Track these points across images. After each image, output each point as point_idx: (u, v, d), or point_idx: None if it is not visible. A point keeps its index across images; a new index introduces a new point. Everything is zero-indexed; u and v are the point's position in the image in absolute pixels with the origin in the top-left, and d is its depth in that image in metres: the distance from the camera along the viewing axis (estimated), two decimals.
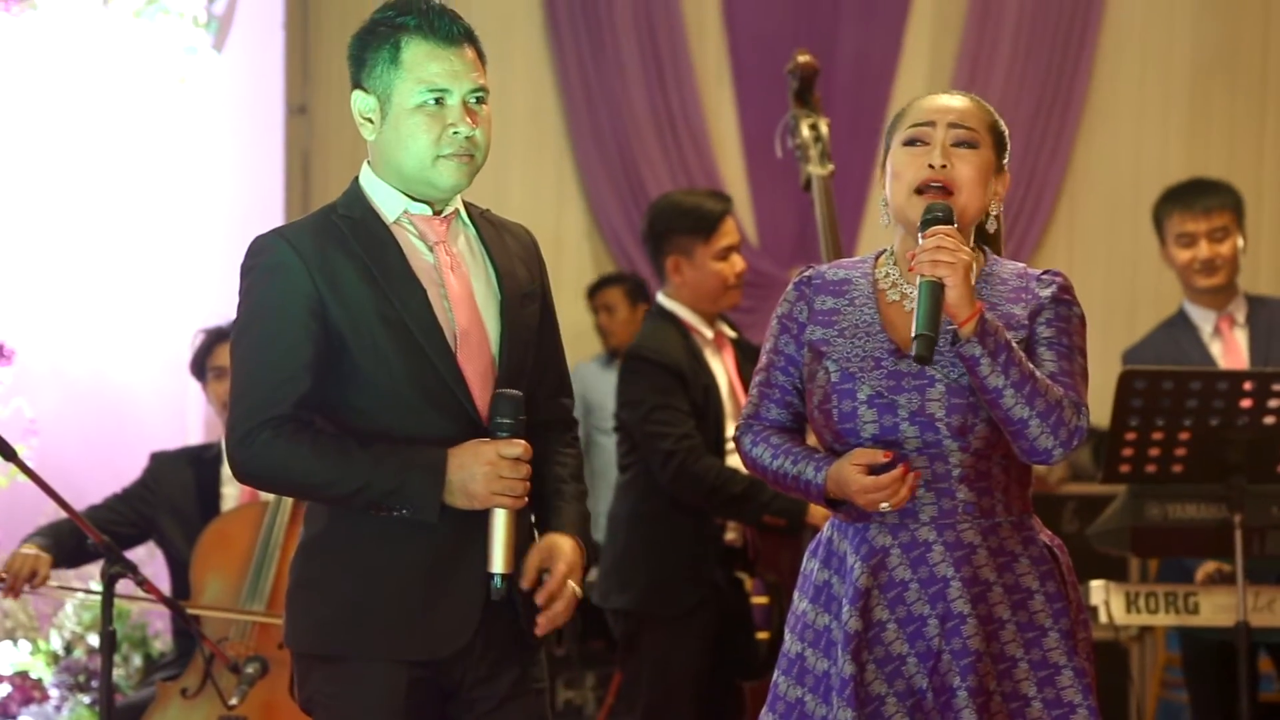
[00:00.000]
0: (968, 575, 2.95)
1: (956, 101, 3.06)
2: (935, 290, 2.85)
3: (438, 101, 2.97)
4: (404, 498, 2.91)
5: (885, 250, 3.11)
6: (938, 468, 2.96)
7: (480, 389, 2.99)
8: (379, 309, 2.95)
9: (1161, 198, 5.07)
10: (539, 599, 2.97)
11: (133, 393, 6.04)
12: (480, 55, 3.04)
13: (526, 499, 2.96)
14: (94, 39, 6.02)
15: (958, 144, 3.00)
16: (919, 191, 2.98)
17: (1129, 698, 5.90)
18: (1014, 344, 2.90)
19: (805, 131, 5.13)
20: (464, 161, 2.99)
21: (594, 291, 7.28)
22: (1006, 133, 3.10)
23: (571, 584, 3.00)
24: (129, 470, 5.16)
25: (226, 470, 4.87)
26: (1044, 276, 3.04)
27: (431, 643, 2.97)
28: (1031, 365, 2.91)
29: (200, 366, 5.00)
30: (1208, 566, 4.62)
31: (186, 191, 6.24)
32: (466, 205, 3.12)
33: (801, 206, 6.29)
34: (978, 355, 2.87)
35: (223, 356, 4.89)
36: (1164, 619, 4.39)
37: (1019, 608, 2.98)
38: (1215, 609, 4.33)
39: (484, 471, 2.90)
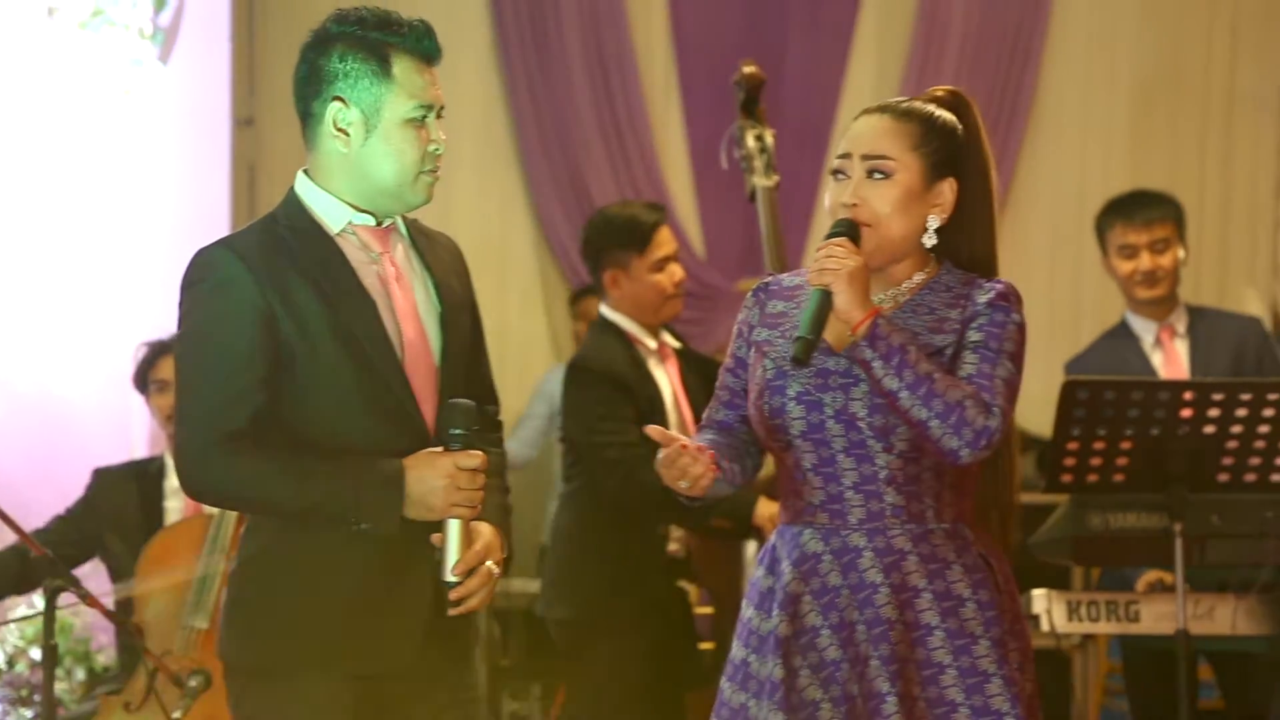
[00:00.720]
0: (896, 581, 2.97)
1: (875, 124, 3.05)
2: (822, 297, 2.92)
3: (425, 118, 3.01)
4: (363, 511, 2.92)
5: None
6: (864, 469, 2.99)
7: (426, 400, 3.01)
8: (330, 322, 2.96)
9: (1104, 209, 5.11)
10: (456, 570, 2.96)
11: (76, 406, 6.01)
12: None
13: (479, 508, 2.98)
14: (38, 50, 5.99)
15: (871, 173, 3.02)
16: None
17: (1071, 706, 5.93)
18: (911, 348, 2.91)
19: (751, 142, 5.15)
20: (435, 178, 3.04)
21: (574, 301, 7.29)
22: (949, 136, 3.07)
23: (490, 564, 3.00)
24: (72, 483, 5.13)
25: (170, 483, 4.86)
26: (988, 284, 3.05)
27: (376, 658, 2.98)
28: (932, 367, 2.92)
29: (142, 379, 4.97)
30: (1149, 576, 4.66)
31: (131, 204, 6.22)
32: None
33: (748, 218, 6.29)
34: (869, 359, 2.91)
35: (165, 369, 4.88)
36: (1105, 627, 4.42)
37: (949, 615, 2.98)
38: (1156, 617, 4.37)
39: (443, 484, 2.93)
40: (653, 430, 2.95)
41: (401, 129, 3.00)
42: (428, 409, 3.01)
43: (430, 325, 3.05)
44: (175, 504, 4.86)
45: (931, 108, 3.10)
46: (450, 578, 2.95)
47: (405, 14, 3.09)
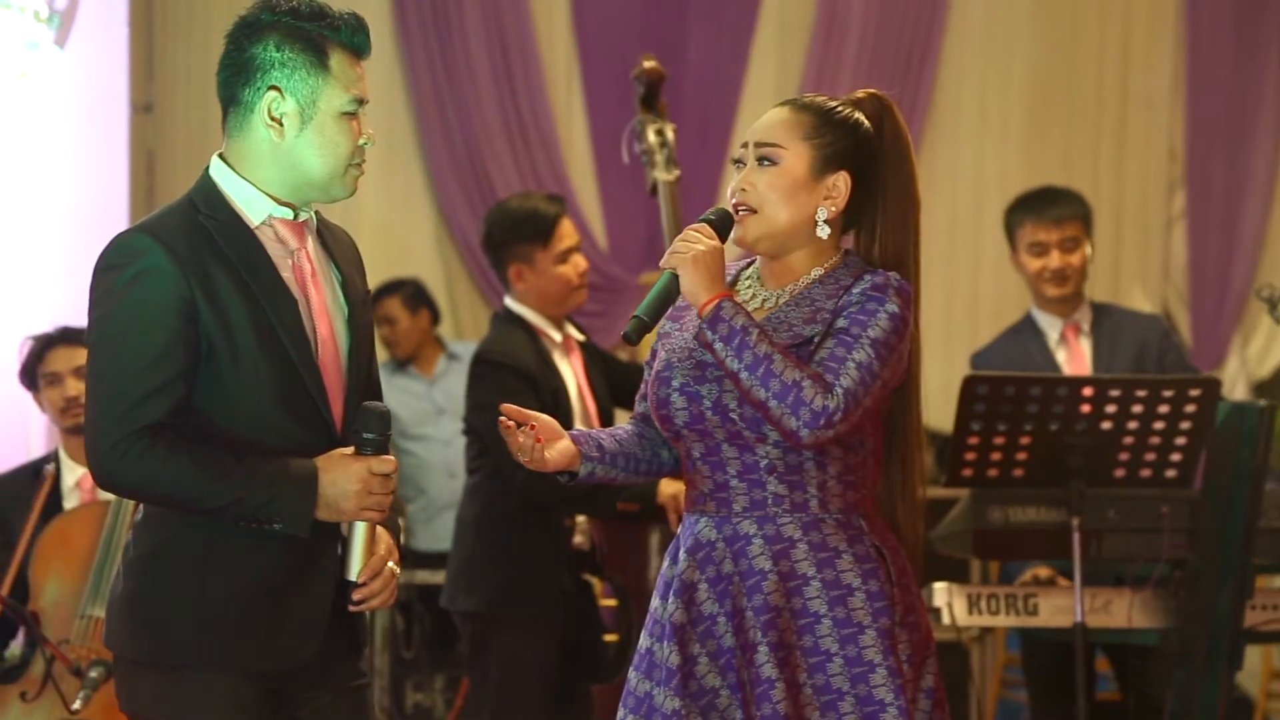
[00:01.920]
0: (785, 569, 3.00)
1: (771, 116, 3.12)
2: (669, 279, 3.02)
3: (356, 112, 3.00)
4: (276, 511, 2.91)
5: (757, 259, 3.18)
6: (746, 459, 3.03)
7: (335, 399, 3.00)
8: (251, 317, 2.93)
9: (1013, 205, 5.13)
10: (362, 575, 2.97)
11: None
12: None
13: (387, 512, 2.98)
14: None
15: (760, 161, 3.08)
16: (737, 212, 3.09)
17: (969, 697, 6.00)
18: (754, 330, 2.94)
19: (652, 137, 5.17)
20: (361, 172, 3.04)
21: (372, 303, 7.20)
22: (850, 128, 3.10)
23: (391, 565, 3.02)
24: None
25: (68, 479, 4.80)
26: (870, 276, 3.05)
27: (279, 655, 2.98)
28: (772, 349, 2.93)
29: (31, 374, 4.86)
30: (1038, 570, 4.72)
31: (27, 191, 6.13)
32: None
33: (650, 211, 6.32)
34: (710, 340, 2.96)
35: (55, 362, 4.80)
36: (1005, 620, 4.46)
37: (837, 604, 3.00)
38: (1054, 610, 4.41)
39: (356, 489, 2.92)
40: (508, 409, 3.04)
41: (336, 121, 2.99)
42: (336, 408, 3.01)
43: (338, 323, 3.05)
44: (74, 500, 4.80)
45: (835, 103, 3.13)
46: (352, 577, 2.96)
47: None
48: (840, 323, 3.00)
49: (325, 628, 2.99)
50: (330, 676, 3.05)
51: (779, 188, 3.06)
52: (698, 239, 3.00)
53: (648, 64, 5.20)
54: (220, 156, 3.04)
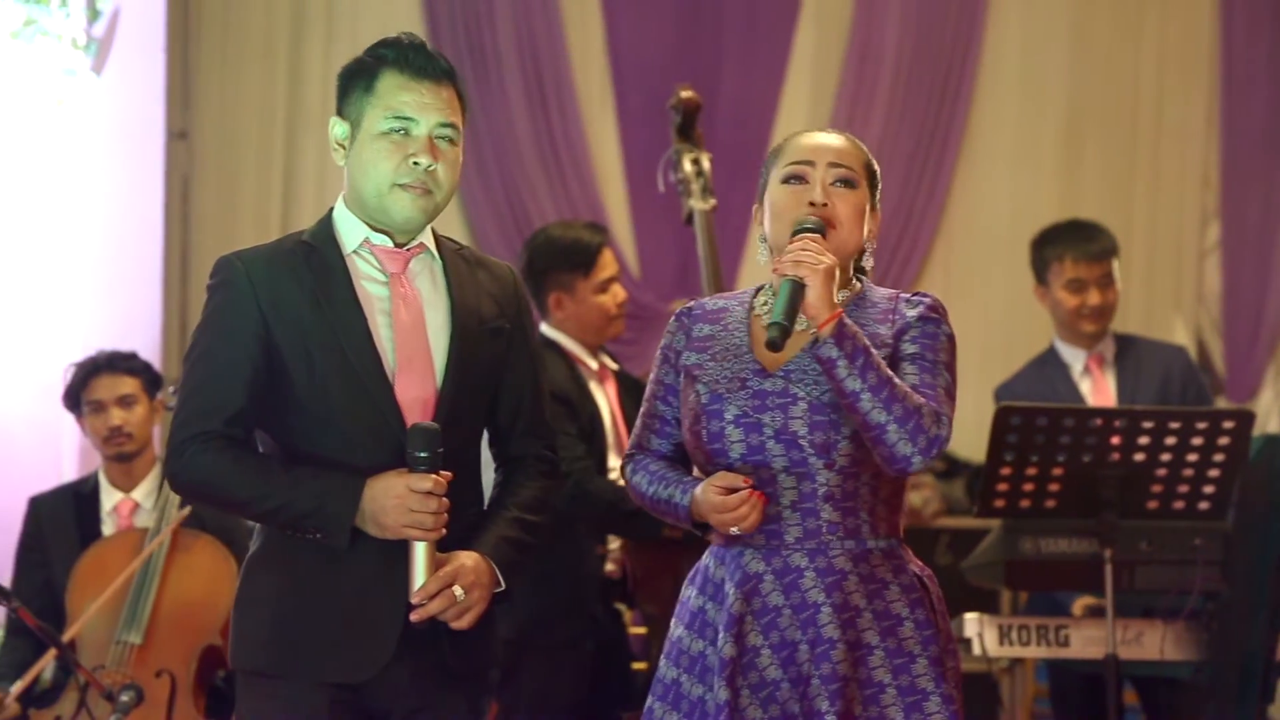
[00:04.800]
0: (838, 601, 2.99)
1: (835, 140, 3.11)
2: (795, 288, 2.92)
3: (403, 131, 3.03)
4: (318, 521, 2.97)
5: (766, 285, 3.16)
6: (804, 487, 3.00)
7: (418, 420, 3.02)
8: (319, 335, 3.01)
9: (1047, 238, 5.09)
10: (415, 596, 2.98)
11: (5, 418, 5.95)
12: (460, 96, 3.11)
13: (443, 530, 2.98)
14: None
15: (836, 182, 3.05)
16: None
17: None
18: (873, 350, 2.94)
19: (688, 166, 5.17)
20: (419, 194, 3.04)
21: None
22: (879, 172, 3.16)
23: (456, 589, 3.00)
24: (1, 497, 5.08)
25: (106, 503, 4.82)
26: (913, 298, 3.10)
27: (348, 667, 3.01)
28: (891, 373, 2.95)
29: (75, 399, 4.90)
30: (1085, 599, 4.70)
31: (64, 216, 6.18)
32: (441, 240, 3.16)
33: (683, 239, 6.33)
34: (834, 357, 2.92)
35: (100, 390, 4.82)
36: (1036, 651, 4.45)
37: (888, 634, 3.01)
38: (1085, 642, 4.40)
39: (393, 504, 2.95)
40: (722, 476, 2.96)
41: (374, 141, 3.04)
42: None
43: (438, 348, 3.07)
44: (111, 524, 4.82)
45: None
46: (412, 599, 2.98)
47: (343, 37, 3.12)
48: (909, 347, 3.02)
49: (395, 645, 3.00)
50: (430, 708, 3.06)
51: (854, 209, 3.05)
52: (822, 251, 2.94)
53: (684, 93, 5.21)
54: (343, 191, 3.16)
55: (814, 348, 2.93)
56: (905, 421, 2.92)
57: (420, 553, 2.98)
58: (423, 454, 2.97)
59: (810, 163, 3.06)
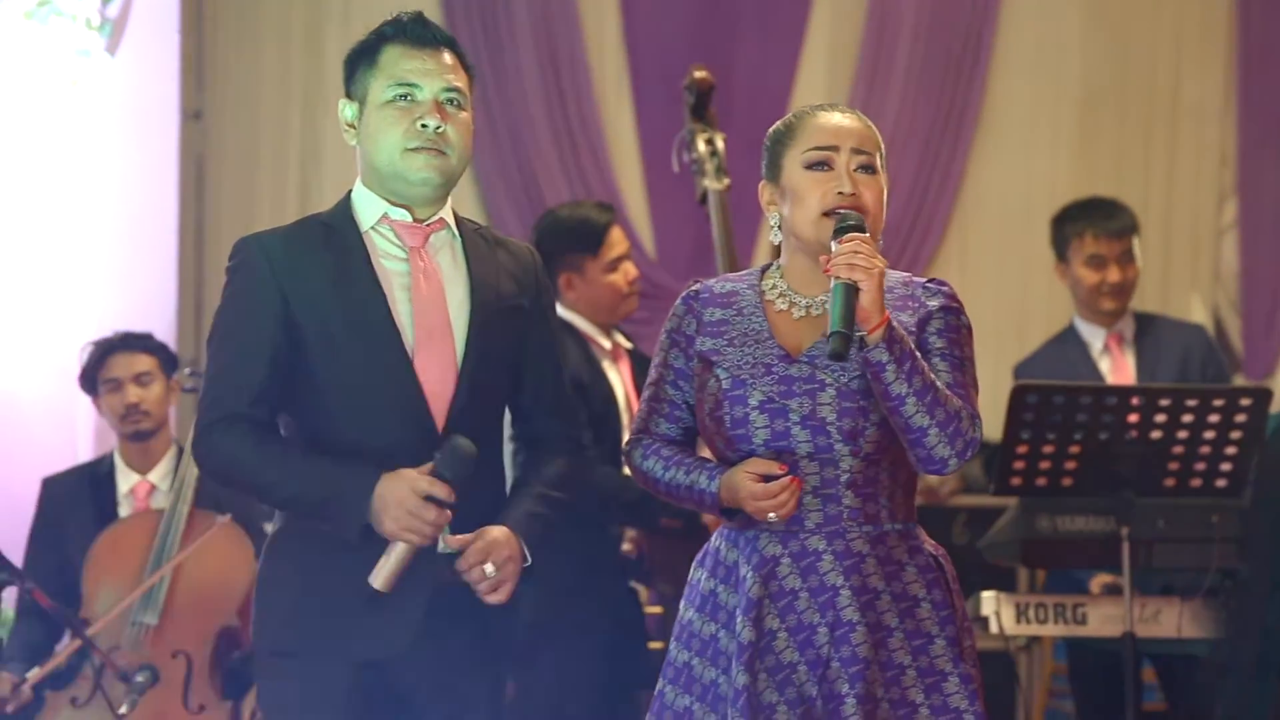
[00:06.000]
0: (857, 583, 2.98)
1: (854, 123, 3.06)
2: (850, 292, 2.89)
3: (407, 98, 3.05)
4: (329, 512, 2.98)
5: (772, 264, 3.14)
6: (827, 473, 2.99)
7: (439, 397, 3.04)
8: (339, 311, 3.02)
9: (1067, 215, 5.07)
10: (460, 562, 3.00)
11: (20, 400, 5.96)
12: (462, 61, 3.11)
13: (435, 540, 2.99)
14: None
15: (860, 169, 3.03)
16: (827, 214, 3.00)
17: (1016, 707, 5.96)
18: (918, 354, 2.93)
19: (701, 146, 5.16)
20: (433, 155, 3.05)
21: None
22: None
23: (489, 566, 3.01)
24: (14, 480, 5.09)
25: (123, 485, 4.83)
26: (929, 285, 3.07)
27: (372, 644, 3.02)
28: (933, 375, 2.94)
29: (91, 380, 4.90)
30: (1102, 577, 4.69)
31: (78, 196, 6.18)
32: (460, 219, 3.17)
33: (699, 219, 6.30)
34: (884, 361, 2.90)
35: (116, 368, 4.83)
36: (1053, 629, 4.45)
37: (906, 615, 3.01)
38: (1103, 620, 4.40)
39: (394, 504, 2.95)
40: (755, 462, 2.95)
41: (380, 110, 3.06)
42: (439, 404, 3.04)
43: (459, 324, 3.08)
44: (128, 506, 4.82)
45: None
46: (373, 583, 2.97)
47: (357, 15, 3.15)
48: (936, 341, 3.01)
49: (419, 622, 3.00)
50: (458, 685, 3.07)
51: (878, 197, 3.03)
52: (872, 253, 2.91)
53: (698, 73, 5.20)
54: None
55: (863, 351, 2.91)
56: (946, 425, 2.93)
57: (399, 550, 2.97)
58: (446, 475, 2.96)
59: (834, 148, 3.02)
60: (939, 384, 2.94)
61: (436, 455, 2.98)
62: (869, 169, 3.03)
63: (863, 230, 2.95)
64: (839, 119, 3.07)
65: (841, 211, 2.98)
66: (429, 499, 2.95)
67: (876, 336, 2.90)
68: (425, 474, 2.97)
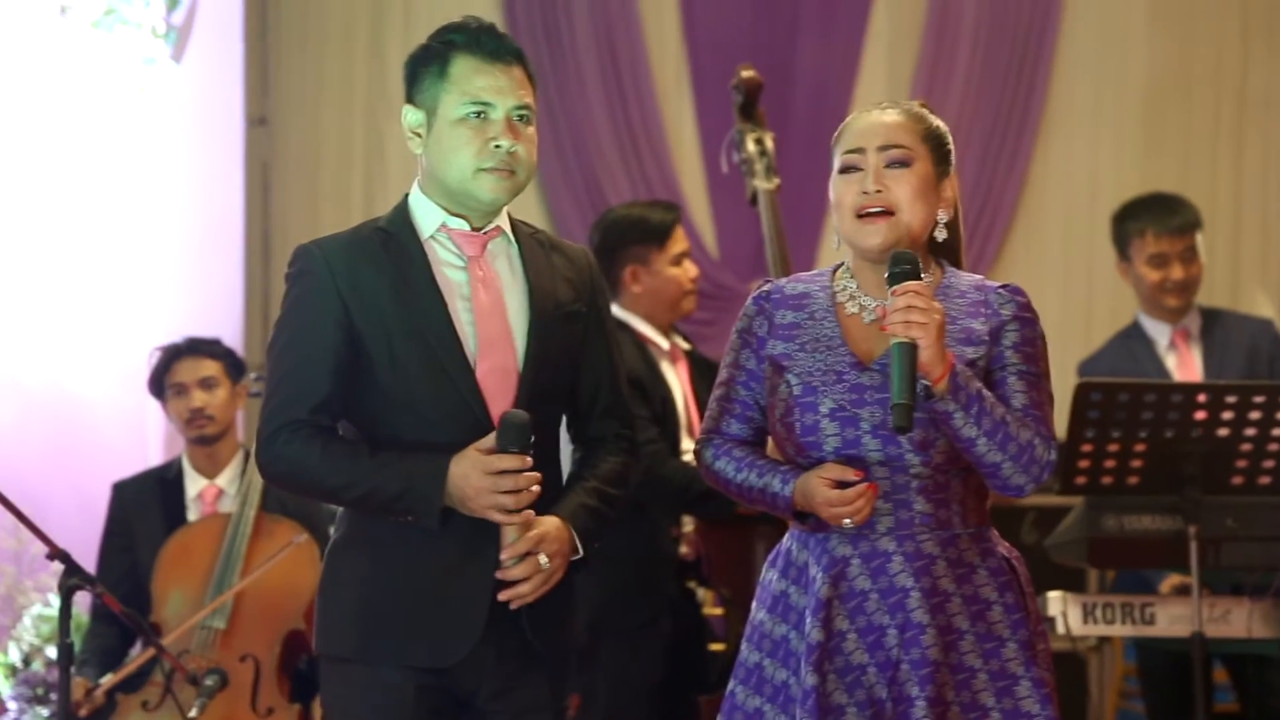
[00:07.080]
0: (927, 586, 2.97)
1: (886, 118, 3.05)
2: (909, 352, 2.86)
3: (480, 115, 3.05)
4: (408, 503, 2.99)
5: (842, 264, 3.12)
6: (897, 479, 2.98)
7: (499, 404, 3.04)
8: (400, 320, 3.03)
9: (1128, 213, 5.03)
10: (503, 555, 3.00)
11: (90, 405, 6.01)
12: (529, 76, 3.11)
13: (529, 513, 2.99)
14: (51, 49, 6.00)
15: (890, 165, 3.01)
16: (860, 216, 3.00)
17: (1087, 708, 5.93)
18: (986, 392, 2.91)
19: (750, 146, 5.15)
20: (504, 176, 3.06)
21: None
22: (947, 136, 3.09)
23: (542, 557, 3.01)
24: (86, 483, 5.13)
25: (190, 489, 4.86)
26: (1003, 291, 3.04)
27: (435, 651, 3.03)
28: (1004, 409, 2.93)
29: (159, 384, 4.94)
30: (1172, 579, 4.65)
31: (145, 203, 6.22)
32: (516, 224, 3.18)
33: (760, 220, 6.30)
34: (951, 411, 2.89)
35: (182, 373, 4.86)
36: (1121, 630, 4.41)
37: (978, 618, 2.99)
38: (1171, 620, 4.36)
39: (474, 484, 2.96)
40: (831, 468, 2.95)
41: (453, 127, 3.06)
42: (498, 410, 3.04)
43: (519, 331, 3.09)
44: (196, 510, 4.86)
45: (924, 109, 3.12)
46: (502, 558, 2.99)
47: (422, 21, 3.13)
48: (1012, 356, 2.99)
49: (482, 627, 3.01)
50: (516, 690, 3.07)
51: (916, 189, 3.00)
52: (928, 304, 2.88)
53: (745, 73, 5.18)
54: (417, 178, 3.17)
55: (929, 402, 2.90)
56: (1019, 457, 2.93)
57: (509, 537, 3.00)
58: (513, 449, 2.97)
59: (860, 150, 3.02)
60: (1010, 417, 2.93)
61: (501, 444, 2.98)
62: (902, 163, 3.01)
63: (917, 274, 2.92)
64: (868, 119, 3.06)
65: (895, 253, 2.95)
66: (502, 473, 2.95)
67: (942, 388, 2.88)
68: (487, 452, 2.97)
